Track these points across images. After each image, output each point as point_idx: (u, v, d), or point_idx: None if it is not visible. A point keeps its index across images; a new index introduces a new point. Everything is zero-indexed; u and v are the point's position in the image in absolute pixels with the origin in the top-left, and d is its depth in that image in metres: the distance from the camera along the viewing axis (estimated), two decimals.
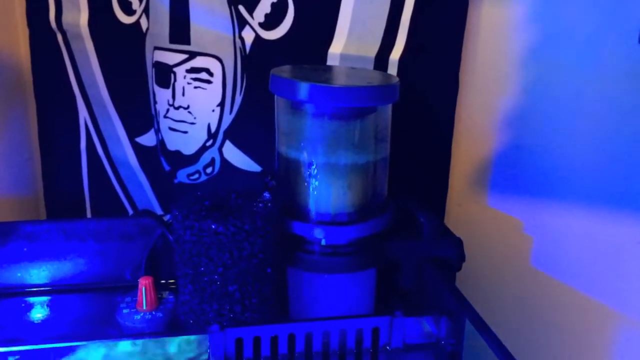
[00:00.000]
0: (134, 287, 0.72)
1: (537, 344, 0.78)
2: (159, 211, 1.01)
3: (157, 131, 0.95)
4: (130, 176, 1.03)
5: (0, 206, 1.03)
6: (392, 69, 0.80)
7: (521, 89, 0.74)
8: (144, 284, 0.71)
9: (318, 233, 0.63)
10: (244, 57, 0.88)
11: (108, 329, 0.71)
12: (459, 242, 0.68)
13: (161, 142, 0.95)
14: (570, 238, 0.74)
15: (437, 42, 0.78)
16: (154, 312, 0.71)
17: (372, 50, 0.81)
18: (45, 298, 0.75)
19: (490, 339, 0.56)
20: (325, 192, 0.63)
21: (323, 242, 0.63)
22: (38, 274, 0.74)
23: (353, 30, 0.81)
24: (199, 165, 0.94)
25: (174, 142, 0.94)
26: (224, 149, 0.92)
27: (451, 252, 0.67)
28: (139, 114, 0.99)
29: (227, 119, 0.91)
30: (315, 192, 0.63)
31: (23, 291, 0.74)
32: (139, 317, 0.70)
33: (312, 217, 0.63)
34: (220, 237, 0.60)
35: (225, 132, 0.91)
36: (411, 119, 0.78)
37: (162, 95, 0.92)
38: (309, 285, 0.64)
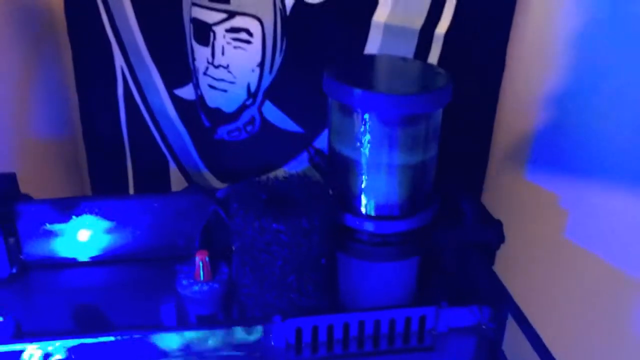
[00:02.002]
0: (189, 257, 0.77)
1: (567, 317, 0.83)
2: (199, 162, 1.04)
3: (196, 86, 0.96)
4: (169, 127, 1.06)
5: (39, 146, 1.06)
6: (437, 43, 0.81)
7: (567, 68, 0.75)
8: (201, 258, 0.76)
9: (369, 226, 0.66)
10: (285, 18, 0.88)
11: (168, 296, 0.77)
12: (498, 226, 0.72)
13: (201, 98, 0.96)
14: (607, 214, 0.77)
15: (486, 17, 0.78)
16: (210, 283, 0.76)
17: (417, 22, 0.81)
18: (107, 268, 0.80)
19: (530, 333, 0.61)
20: (377, 189, 0.66)
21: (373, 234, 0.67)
22: (99, 246, 0.79)
23: None
24: (239, 123, 0.96)
25: (214, 100, 0.96)
26: (264, 108, 0.94)
27: (491, 235, 0.71)
28: (176, 67, 1.00)
29: (267, 79, 0.92)
30: (367, 189, 0.66)
31: (85, 262, 0.79)
32: (197, 288, 0.76)
33: (363, 210, 0.67)
34: (281, 235, 0.63)
35: (265, 92, 0.93)
36: (455, 94, 0.80)
37: (201, 53, 0.93)
38: (358, 271, 0.69)
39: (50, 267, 0.78)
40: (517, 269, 0.73)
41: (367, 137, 0.64)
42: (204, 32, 0.91)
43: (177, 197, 0.79)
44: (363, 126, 0.63)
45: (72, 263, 0.79)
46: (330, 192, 0.67)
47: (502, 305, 0.64)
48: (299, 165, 0.96)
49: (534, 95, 0.78)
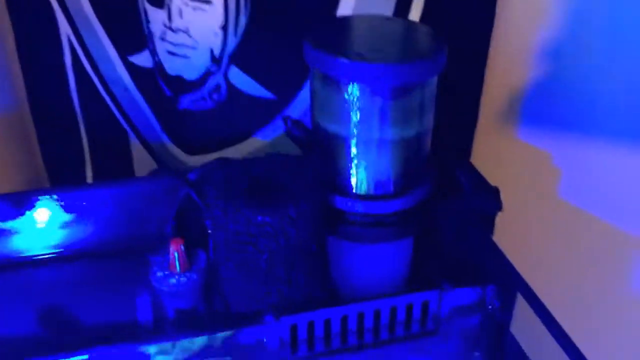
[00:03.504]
0: (162, 245, 0.71)
1: (562, 273, 0.80)
2: (162, 135, 0.96)
3: (154, 53, 0.88)
4: (126, 97, 0.97)
5: None
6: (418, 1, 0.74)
7: (560, 21, 0.70)
8: (176, 248, 0.69)
9: (361, 207, 0.61)
10: None
11: (141, 289, 0.70)
12: (496, 193, 0.67)
13: (159, 65, 0.88)
14: (602, 172, 0.74)
15: None
16: (188, 274, 0.70)
17: None
18: (72, 264, 0.73)
19: (541, 312, 0.56)
20: (369, 166, 0.60)
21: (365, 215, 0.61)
22: (60, 241, 0.71)
23: None
24: (204, 92, 0.88)
25: (174, 67, 0.88)
26: (230, 74, 0.87)
27: (489, 204, 0.66)
28: (129, 32, 0.91)
29: (232, 43, 0.84)
30: (358, 167, 0.60)
31: (46, 259, 0.72)
32: (174, 280, 0.69)
33: (354, 191, 0.61)
34: (267, 227, 0.57)
35: (231, 57, 0.85)
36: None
37: (155, 16, 0.85)
38: (350, 254, 0.64)
39: (7, 268, 0.71)
40: (511, 232, 0.68)
41: (357, 111, 0.57)
42: None
43: (144, 182, 0.71)
44: (351, 99, 0.56)
45: (31, 261, 0.71)
46: (316, 170, 0.61)
47: (509, 283, 0.59)
48: (271, 133, 0.89)
49: (525, 49, 0.73)
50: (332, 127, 0.59)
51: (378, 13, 0.75)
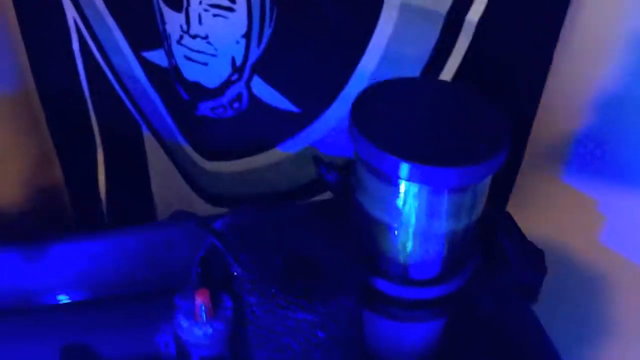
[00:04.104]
0: (185, 288, 0.69)
1: (602, 321, 0.79)
2: (178, 136, 0.91)
3: (170, 55, 0.82)
4: (139, 90, 0.92)
5: None
6: (467, 32, 0.67)
7: (621, 70, 0.64)
8: (201, 300, 0.67)
9: (403, 292, 0.58)
10: None
11: (165, 335, 0.69)
12: (541, 257, 0.64)
13: (176, 69, 0.82)
14: None
15: (532, 5, 0.64)
16: (214, 323, 0.68)
17: (442, 3, 0.67)
18: (94, 307, 0.71)
19: None
20: (413, 255, 0.57)
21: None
22: (80, 285, 0.69)
23: None
24: (224, 100, 0.83)
25: (192, 72, 0.82)
26: (253, 84, 0.81)
27: (534, 276, 0.63)
28: (142, 27, 0.84)
29: (255, 52, 0.78)
30: (401, 254, 0.57)
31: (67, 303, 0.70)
32: (199, 331, 0.68)
33: (394, 274, 0.58)
34: (304, 323, 0.55)
35: (253, 66, 0.79)
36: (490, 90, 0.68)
37: (172, 18, 0.78)
38: (385, 329, 0.62)
39: (27, 312, 0.69)
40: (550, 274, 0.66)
41: (407, 205, 0.53)
42: None
43: (166, 228, 0.68)
44: (403, 195, 0.52)
45: (51, 306, 0.69)
46: (356, 252, 0.58)
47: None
48: (294, 146, 0.85)
49: (580, 93, 0.67)
50: (377, 213, 0.55)
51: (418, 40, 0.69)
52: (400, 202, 0.53)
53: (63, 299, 0.70)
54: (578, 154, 0.71)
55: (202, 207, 0.94)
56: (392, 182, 0.52)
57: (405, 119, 0.55)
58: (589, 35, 0.64)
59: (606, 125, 0.68)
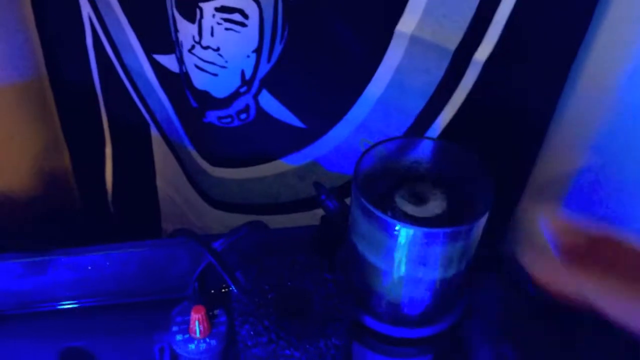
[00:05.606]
0: (181, 301, 0.71)
1: None
2: (185, 139, 0.92)
3: (181, 62, 0.82)
4: (149, 91, 0.93)
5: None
6: (474, 70, 0.67)
7: (627, 111, 0.64)
8: (197, 317, 0.69)
9: (393, 332, 0.60)
10: (287, 2, 0.73)
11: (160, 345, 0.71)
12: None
13: (186, 76, 0.83)
14: None
15: (543, 48, 0.64)
16: (208, 340, 0.70)
17: (452, 40, 0.67)
18: (94, 314, 0.73)
19: None
20: (403, 298, 0.58)
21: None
22: (81, 293, 0.71)
23: (431, 7, 0.66)
24: (231, 110, 0.84)
25: (201, 82, 0.83)
26: (260, 98, 0.82)
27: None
28: (156, 32, 0.85)
29: (264, 67, 0.79)
30: (391, 295, 0.59)
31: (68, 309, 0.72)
32: (193, 347, 0.70)
33: (385, 314, 0.60)
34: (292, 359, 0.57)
35: (262, 81, 0.80)
36: (493, 131, 0.69)
37: (185, 27, 0.79)
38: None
39: (28, 316, 0.71)
40: None
41: (401, 255, 0.54)
42: (189, 7, 0.76)
43: (167, 245, 0.70)
44: (397, 245, 0.54)
45: (52, 311, 0.71)
46: (347, 292, 0.59)
47: None
48: (298, 160, 0.86)
49: (584, 135, 0.67)
50: (372, 258, 0.57)
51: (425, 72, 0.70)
52: (395, 249, 0.55)
53: (63, 305, 0.72)
54: (574, 196, 0.72)
55: (205, 210, 0.95)
56: (388, 233, 0.53)
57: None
58: (596, 75, 0.63)
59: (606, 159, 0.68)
